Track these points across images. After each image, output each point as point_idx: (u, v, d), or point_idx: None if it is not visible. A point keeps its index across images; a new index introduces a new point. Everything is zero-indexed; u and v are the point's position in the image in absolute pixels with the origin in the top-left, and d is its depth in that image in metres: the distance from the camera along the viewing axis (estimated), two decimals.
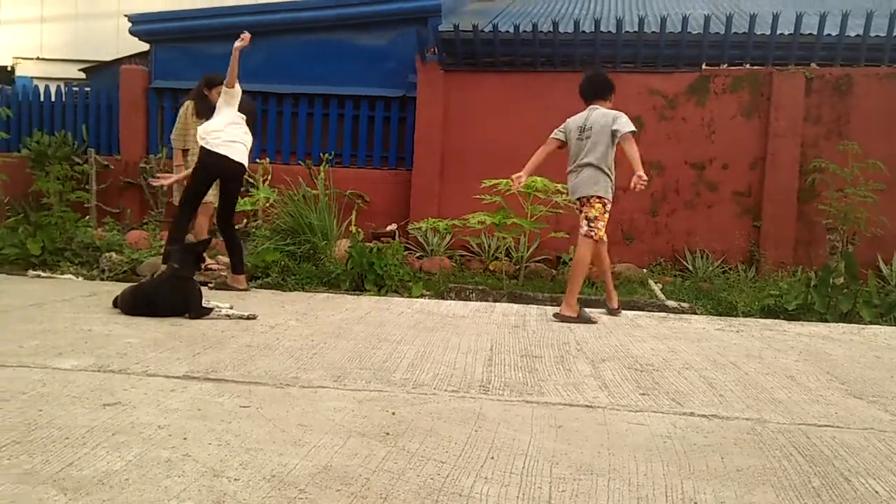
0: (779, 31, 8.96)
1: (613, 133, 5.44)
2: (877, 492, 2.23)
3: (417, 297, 6.74)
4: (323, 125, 10.26)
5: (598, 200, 5.52)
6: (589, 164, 5.56)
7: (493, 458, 2.36)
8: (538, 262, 8.83)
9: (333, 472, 2.18)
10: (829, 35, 8.94)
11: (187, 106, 7.27)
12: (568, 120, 5.97)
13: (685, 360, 4.03)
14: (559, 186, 7.87)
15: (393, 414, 2.77)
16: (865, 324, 6.67)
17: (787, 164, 8.86)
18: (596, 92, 5.82)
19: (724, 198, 9.07)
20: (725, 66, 9.22)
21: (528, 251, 8.51)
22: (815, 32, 8.92)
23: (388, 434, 2.55)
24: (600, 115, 5.62)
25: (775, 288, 7.45)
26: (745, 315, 6.98)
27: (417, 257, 8.81)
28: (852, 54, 9.02)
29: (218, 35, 10.40)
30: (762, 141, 8.96)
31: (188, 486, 2.06)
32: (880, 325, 6.40)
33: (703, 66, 9.19)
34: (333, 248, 7.74)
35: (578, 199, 5.68)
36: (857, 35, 8.90)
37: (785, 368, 3.94)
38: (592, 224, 5.55)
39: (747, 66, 9.19)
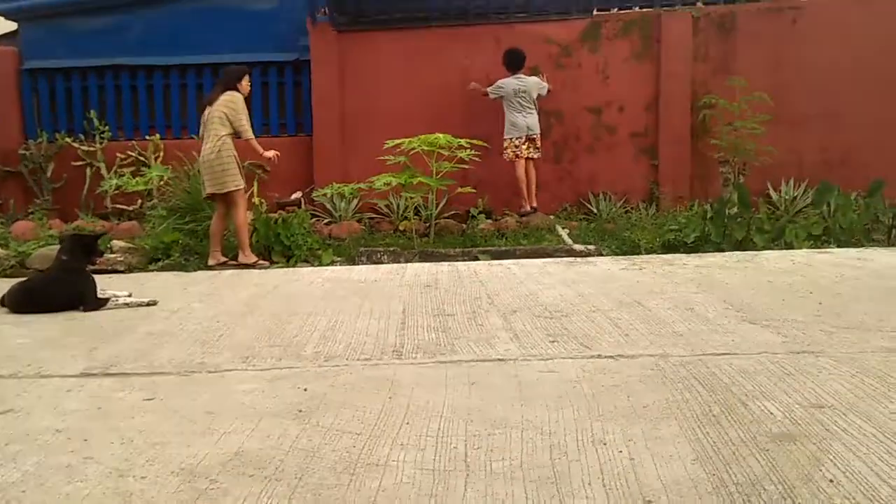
0: None
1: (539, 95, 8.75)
2: (772, 413, 2.35)
3: (328, 265, 6.66)
4: None
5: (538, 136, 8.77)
6: (533, 112, 8.68)
7: (408, 423, 2.37)
8: (448, 217, 8.85)
9: (246, 458, 2.14)
10: None
11: (239, 99, 6.59)
12: (501, 82, 8.71)
13: (592, 303, 4.13)
14: (462, 142, 7.89)
15: (305, 390, 2.73)
16: (759, 250, 7.02)
17: (679, 102, 9.12)
18: (520, 64, 8.71)
19: (623, 140, 9.27)
20: (616, 10, 9.37)
21: (436, 208, 8.50)
22: None
23: (301, 412, 2.51)
24: (533, 82, 8.71)
25: (675, 223, 7.72)
26: (648, 252, 7.23)
27: (326, 224, 8.68)
28: None
29: (90, 9, 9.81)
30: (655, 82, 9.17)
31: (92, 490, 1.97)
32: (771, 250, 6.74)
33: (595, 12, 9.30)
34: None
35: (529, 135, 8.66)
36: None
37: (685, 301, 4.10)
38: (539, 149, 8.75)
39: (636, 9, 9.35)
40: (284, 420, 2.43)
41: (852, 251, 6.04)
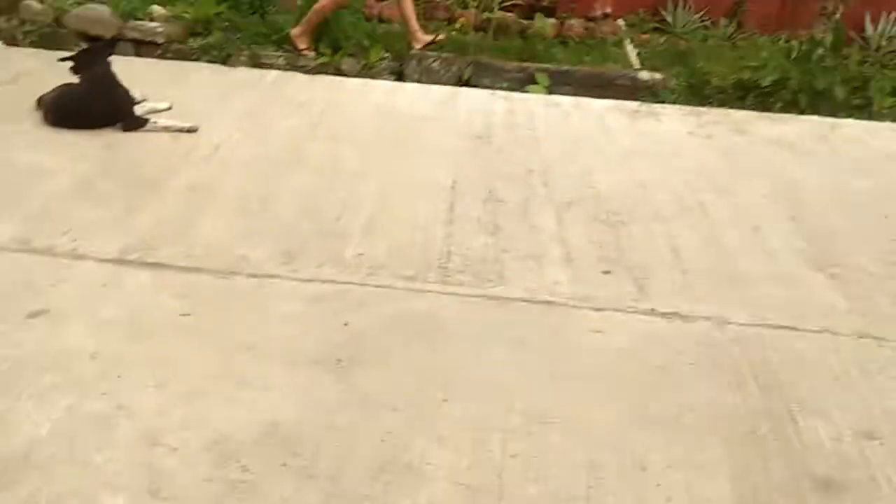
0: None
1: None
2: (821, 441, 2.26)
3: (376, 64, 6.31)
4: None
5: None
6: None
7: (446, 401, 2.32)
8: (508, 7, 8.08)
9: (280, 435, 2.13)
10: None
11: None
12: None
13: (654, 201, 3.86)
14: None
15: (346, 325, 2.65)
16: (838, 105, 6.48)
17: None
18: None
19: None
20: None
21: None
22: None
23: (340, 362, 2.46)
24: None
25: (754, 58, 7.06)
26: (720, 91, 6.72)
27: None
28: None
29: None
30: None
31: (121, 466, 1.99)
32: (851, 112, 6.23)
33: None
34: None
35: None
36: None
37: (751, 212, 3.81)
38: None
39: None
40: (323, 374, 2.39)
41: None
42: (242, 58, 6.07)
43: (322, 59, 6.18)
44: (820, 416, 2.37)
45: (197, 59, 5.88)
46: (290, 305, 2.76)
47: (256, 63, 6.08)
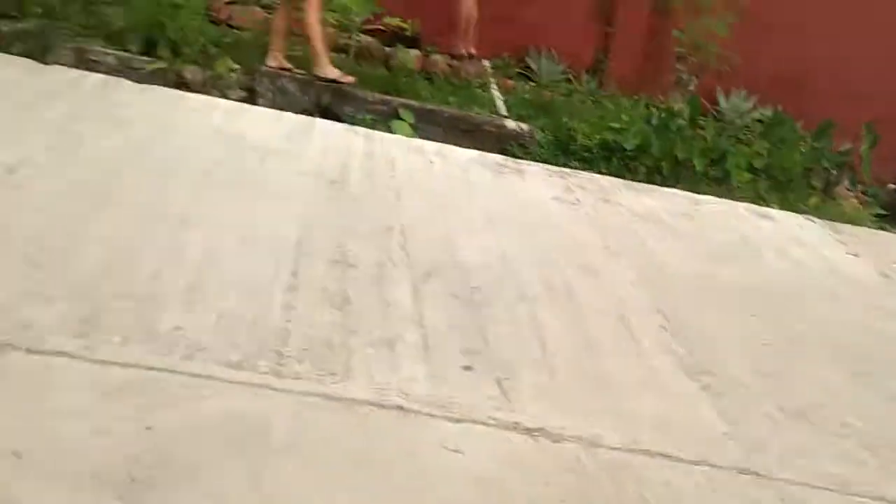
0: None
1: None
2: None
3: (224, 75, 5.69)
4: None
5: None
6: None
7: None
8: (370, 31, 7.64)
9: None
10: None
11: None
12: None
13: (518, 280, 3.53)
14: None
15: (148, 429, 2.09)
16: (697, 176, 6.60)
17: None
18: None
19: None
20: None
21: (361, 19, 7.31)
22: None
23: (134, 482, 1.89)
24: None
25: (617, 119, 7.10)
26: (584, 149, 6.66)
27: (228, 2, 7.29)
28: None
29: None
30: None
31: None
32: (710, 183, 6.35)
33: None
34: None
35: None
36: None
37: (619, 300, 3.60)
38: None
39: None
40: (109, 500, 1.82)
41: (792, 221, 5.54)
42: (65, 52, 5.23)
43: (159, 64, 5.49)
44: None
45: (7, 49, 4.95)
46: (79, 397, 2.15)
47: (83, 59, 5.28)
